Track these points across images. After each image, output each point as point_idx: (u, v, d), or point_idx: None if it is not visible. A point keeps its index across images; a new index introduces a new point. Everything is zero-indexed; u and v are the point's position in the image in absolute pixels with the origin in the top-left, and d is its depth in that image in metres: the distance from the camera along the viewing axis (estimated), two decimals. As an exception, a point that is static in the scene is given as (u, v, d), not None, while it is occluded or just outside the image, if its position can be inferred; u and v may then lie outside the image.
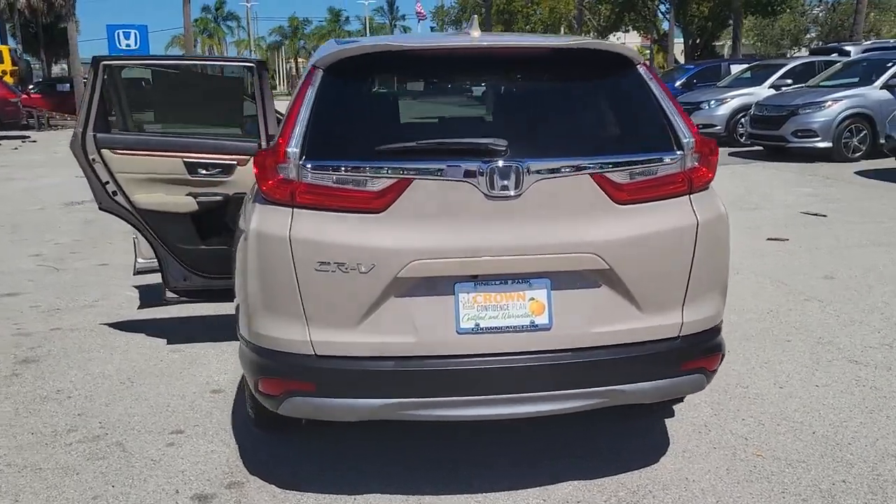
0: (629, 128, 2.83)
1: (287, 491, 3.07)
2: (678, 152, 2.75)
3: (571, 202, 2.67)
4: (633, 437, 3.45)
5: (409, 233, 2.62)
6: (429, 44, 2.76)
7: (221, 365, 4.41)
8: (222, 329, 4.91)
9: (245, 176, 4.25)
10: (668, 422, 3.58)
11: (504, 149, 2.61)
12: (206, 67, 5.18)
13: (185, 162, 4.27)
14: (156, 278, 5.36)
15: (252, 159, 4.03)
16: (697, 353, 2.84)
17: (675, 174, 2.75)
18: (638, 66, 2.87)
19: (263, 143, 4.29)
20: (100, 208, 4.47)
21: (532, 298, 2.69)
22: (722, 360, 2.95)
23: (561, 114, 2.82)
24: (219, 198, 4.30)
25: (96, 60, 4.08)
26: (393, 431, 3.17)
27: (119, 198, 4.30)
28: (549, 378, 2.69)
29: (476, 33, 2.92)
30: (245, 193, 4.10)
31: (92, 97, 4.12)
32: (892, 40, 21.39)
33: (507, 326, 2.67)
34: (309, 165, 2.65)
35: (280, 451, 3.37)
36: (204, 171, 4.30)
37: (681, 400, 3.02)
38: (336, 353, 2.68)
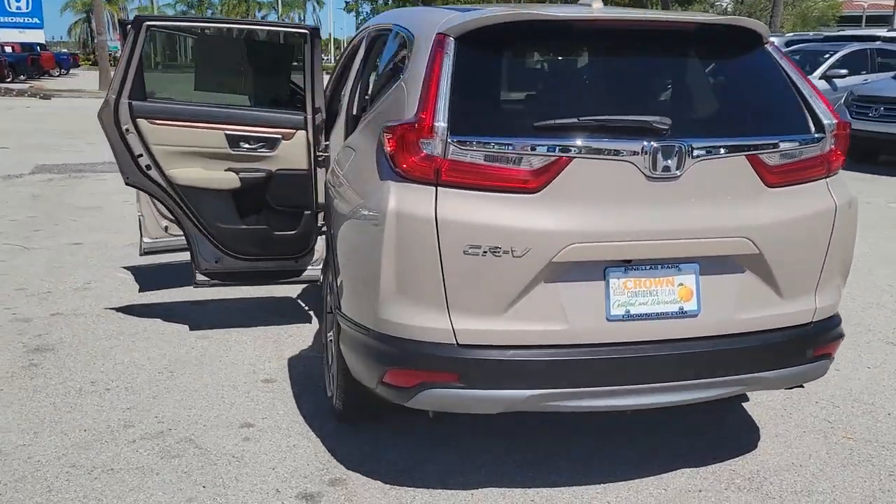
0: (773, 108, 2.76)
1: (395, 487, 2.89)
2: (821, 134, 2.70)
3: (726, 184, 2.59)
4: (718, 423, 3.42)
5: (567, 215, 2.48)
6: (572, 15, 2.61)
7: (260, 352, 4.14)
8: (245, 312, 4.68)
9: (289, 151, 4.00)
10: (745, 406, 3.58)
11: (667, 128, 2.49)
12: (253, 33, 4.81)
13: (226, 135, 3.96)
14: (153, 260, 5.07)
15: (295, 133, 3.90)
16: (826, 338, 2.82)
17: (816, 157, 2.71)
18: (768, 45, 2.81)
19: (309, 117, 4.05)
20: (126, 183, 4.12)
21: (681, 284, 2.60)
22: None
23: (709, 93, 2.74)
24: (262, 174, 4.02)
25: (139, 21, 3.71)
26: (488, 420, 3.03)
27: (153, 172, 3.96)
28: (696, 366, 2.62)
29: (598, 4, 2.79)
30: (289, 169, 3.88)
31: (130, 61, 3.76)
32: (811, 33, 22.29)
33: (657, 313, 2.58)
34: (457, 141, 2.46)
35: (368, 444, 3.17)
36: (246, 146, 4.01)
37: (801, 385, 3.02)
38: (480, 341, 2.52)
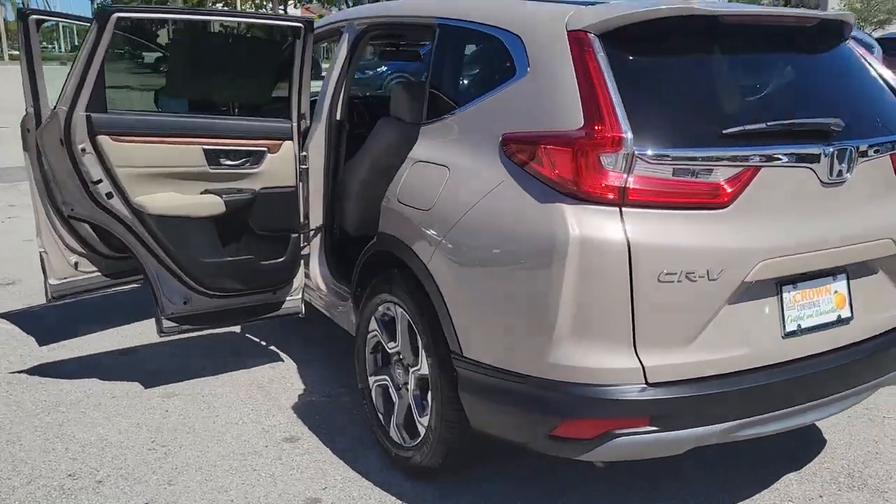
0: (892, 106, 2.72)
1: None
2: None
3: (873, 185, 2.53)
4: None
5: (756, 229, 2.27)
6: (724, 10, 2.38)
7: (254, 405, 3.50)
8: (196, 358, 3.97)
9: (276, 166, 3.41)
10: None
11: (841, 129, 2.36)
12: (235, 27, 3.97)
13: (204, 150, 3.27)
14: (30, 300, 4.14)
15: (282, 144, 3.31)
16: None
17: None
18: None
19: (294, 124, 3.48)
20: (68, 216, 3.28)
21: (836, 291, 2.50)
22: None
23: (851, 91, 2.64)
24: (246, 196, 3.37)
25: (105, 13, 2.90)
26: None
27: (115, 201, 3.16)
28: (856, 373, 2.54)
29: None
30: (275, 187, 3.31)
31: (90, 62, 2.94)
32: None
33: (821, 324, 2.46)
34: (645, 154, 2.15)
35: (465, 497, 2.76)
36: (228, 162, 3.34)
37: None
38: (671, 378, 2.24)
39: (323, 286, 3.72)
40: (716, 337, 2.27)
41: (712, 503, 2.80)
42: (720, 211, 2.23)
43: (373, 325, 3.06)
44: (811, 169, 2.33)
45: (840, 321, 2.49)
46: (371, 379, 3.12)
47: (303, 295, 3.74)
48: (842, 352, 2.50)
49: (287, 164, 3.47)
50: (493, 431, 2.50)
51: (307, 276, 3.73)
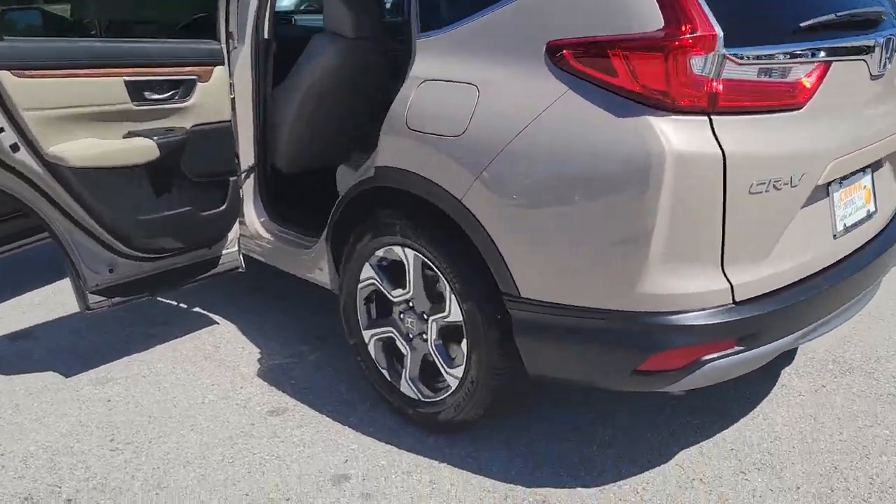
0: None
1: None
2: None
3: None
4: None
5: (825, 129, 2.18)
6: None
7: (201, 380, 3.04)
8: (161, 355, 3.41)
9: (209, 97, 2.90)
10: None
11: (886, 18, 2.29)
12: None
13: (126, 82, 2.67)
14: None
15: (213, 71, 2.80)
16: None
17: None
18: None
19: (224, 45, 2.96)
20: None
21: (864, 187, 2.50)
22: None
23: None
24: (180, 136, 2.82)
25: None
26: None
27: (21, 154, 2.51)
28: (883, 263, 2.57)
29: None
30: (208, 123, 2.82)
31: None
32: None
33: (857, 221, 2.45)
34: (732, 55, 1.95)
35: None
36: (154, 96, 2.76)
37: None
38: (754, 294, 2.13)
39: (265, 233, 3.27)
40: (787, 246, 2.18)
41: (724, 395, 2.80)
42: (796, 112, 2.10)
43: (366, 272, 2.70)
44: (865, 61, 2.26)
45: (869, 216, 2.50)
46: (367, 333, 2.77)
47: (239, 247, 3.27)
48: (870, 245, 2.52)
49: (221, 94, 2.94)
50: (560, 374, 2.28)
51: (241, 223, 3.25)
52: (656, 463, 2.50)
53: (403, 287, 2.61)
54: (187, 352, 3.25)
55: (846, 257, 2.41)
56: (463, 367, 2.47)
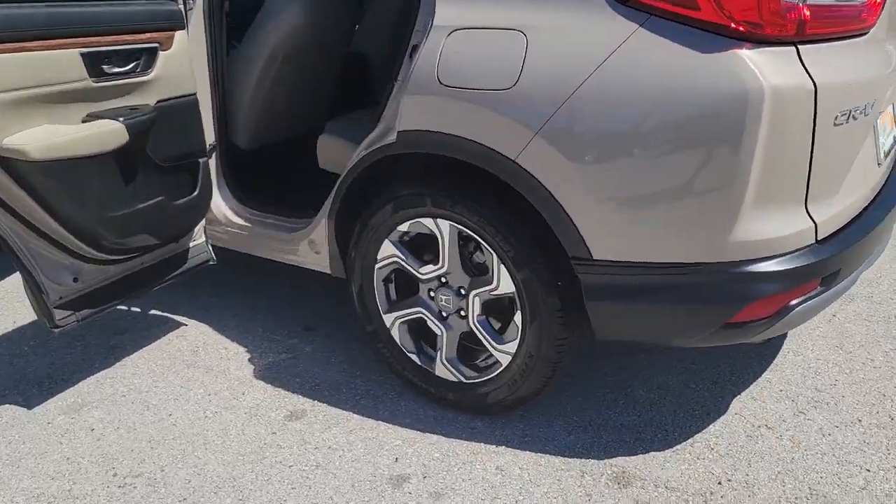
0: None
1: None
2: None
3: None
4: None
5: (884, 55, 2.11)
6: None
7: (193, 391, 2.70)
8: (152, 374, 2.99)
9: (172, 67, 2.54)
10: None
11: None
12: None
13: (83, 54, 2.25)
14: None
15: (174, 36, 2.46)
16: None
17: None
18: None
19: (181, 4, 2.60)
20: None
21: (890, 113, 2.48)
22: None
23: None
24: (147, 115, 2.43)
25: None
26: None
27: (-30, 150, 2.06)
28: None
29: None
30: (173, 98, 2.49)
31: None
32: None
33: (888, 147, 2.42)
34: (815, -22, 1.83)
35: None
36: (115, 70, 2.35)
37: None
38: (830, 230, 2.05)
39: (236, 219, 2.93)
40: (852, 178, 2.11)
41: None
42: (863, 38, 2.02)
43: (386, 250, 2.44)
44: (902, -16, 2.21)
45: (894, 141, 2.49)
46: (389, 317, 2.52)
47: (207, 237, 2.91)
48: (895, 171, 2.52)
49: (184, 64, 2.55)
50: (638, 337, 2.13)
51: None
52: (715, 415, 2.43)
53: (435, 262, 2.37)
54: (164, 361, 2.87)
55: (884, 185, 2.39)
56: (517, 341, 2.28)
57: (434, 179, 2.26)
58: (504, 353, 2.32)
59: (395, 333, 2.53)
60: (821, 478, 2.14)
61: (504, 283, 2.23)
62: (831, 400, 2.46)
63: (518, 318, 2.25)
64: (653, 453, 2.27)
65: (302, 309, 3.20)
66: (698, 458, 2.24)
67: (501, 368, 2.34)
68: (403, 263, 2.43)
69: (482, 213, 2.18)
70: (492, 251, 2.21)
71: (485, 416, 2.45)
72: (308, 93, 3.15)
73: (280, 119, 3.13)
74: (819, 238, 2.00)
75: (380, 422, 2.47)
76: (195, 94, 2.59)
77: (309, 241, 2.70)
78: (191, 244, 2.86)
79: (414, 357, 2.52)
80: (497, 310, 2.36)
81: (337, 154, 2.80)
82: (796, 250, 1.96)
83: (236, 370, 2.79)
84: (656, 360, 2.72)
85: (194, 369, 2.81)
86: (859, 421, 2.36)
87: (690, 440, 2.32)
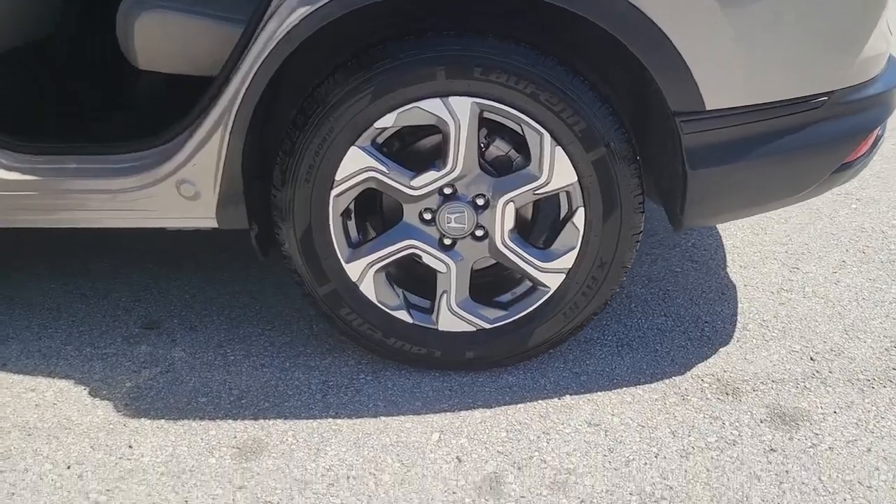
0: None
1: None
2: None
3: None
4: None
5: None
6: None
7: (162, 436, 1.60)
8: None
9: None
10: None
11: None
12: None
13: None
14: None
15: None
16: None
17: None
18: None
19: None
20: None
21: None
22: None
23: None
24: None
25: None
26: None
27: None
28: None
29: None
30: None
31: None
32: None
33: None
34: None
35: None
36: None
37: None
38: None
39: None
40: None
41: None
42: None
43: (355, 162, 1.63)
44: None
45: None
46: (355, 265, 1.71)
47: None
48: None
49: None
50: (734, 209, 1.72)
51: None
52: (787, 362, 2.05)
53: (436, 166, 1.63)
54: (19, 433, 1.64)
55: None
56: (575, 250, 1.68)
57: (451, 36, 1.53)
58: (553, 272, 1.70)
59: (366, 287, 1.73)
60: None
61: (560, 174, 1.61)
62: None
63: (579, 217, 1.65)
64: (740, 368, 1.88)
65: (158, 296, 2.11)
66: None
67: (548, 295, 1.72)
68: (385, 178, 1.64)
69: (539, 76, 1.52)
70: (542, 130, 1.57)
71: (509, 368, 1.81)
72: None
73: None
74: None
75: (403, 416, 1.68)
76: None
77: (177, 182, 1.71)
78: None
79: (401, 314, 1.75)
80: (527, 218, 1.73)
81: (176, 39, 1.82)
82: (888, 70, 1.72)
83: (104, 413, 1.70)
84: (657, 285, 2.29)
85: (107, 427, 1.64)
86: None
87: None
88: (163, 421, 1.67)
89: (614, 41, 1.49)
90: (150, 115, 1.97)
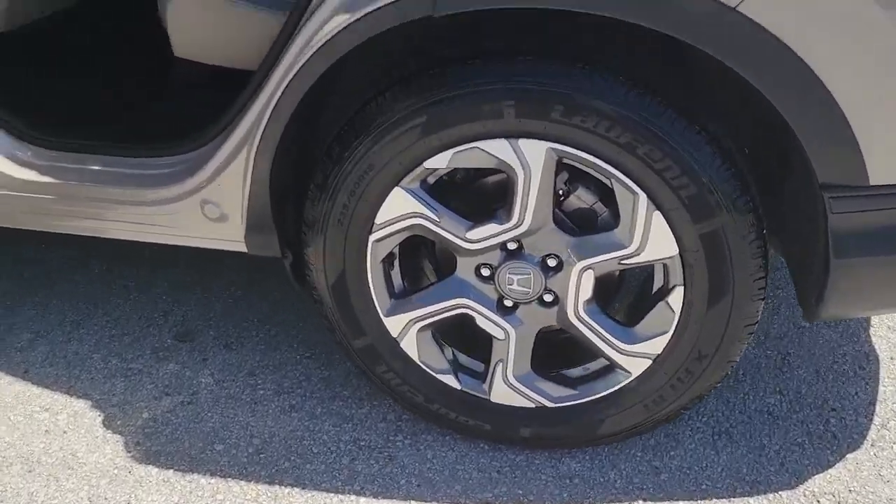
0: None
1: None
2: None
3: None
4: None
5: None
6: None
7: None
8: None
9: None
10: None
11: None
12: None
13: None
14: None
15: None
16: None
17: None
18: None
19: None
20: None
21: None
22: None
23: None
24: None
25: None
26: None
27: None
28: None
29: None
30: None
31: None
32: None
33: None
34: None
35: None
36: None
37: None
38: None
39: (16, 171, 1.59)
40: None
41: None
42: None
43: (397, 205, 1.32)
44: None
45: None
46: (396, 319, 1.42)
47: None
48: None
49: None
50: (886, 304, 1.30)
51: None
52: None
53: (499, 218, 1.30)
54: (20, 467, 1.52)
55: None
56: (668, 335, 1.33)
57: (524, 64, 1.17)
58: (637, 356, 1.36)
59: (408, 345, 1.45)
60: None
61: (656, 244, 1.24)
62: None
63: (676, 298, 1.29)
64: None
65: (175, 300, 1.93)
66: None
67: (628, 380, 1.39)
68: (434, 226, 1.32)
69: (639, 122, 1.15)
70: (637, 190, 1.21)
71: (572, 450, 1.50)
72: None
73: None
74: None
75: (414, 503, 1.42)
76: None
77: (201, 202, 1.46)
78: None
79: (448, 379, 1.47)
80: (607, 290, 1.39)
81: (216, 26, 1.54)
82: None
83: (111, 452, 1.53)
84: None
85: (126, 468, 1.50)
86: None
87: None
88: (171, 472, 1.49)
89: (747, 89, 1.09)
90: (184, 111, 1.71)
